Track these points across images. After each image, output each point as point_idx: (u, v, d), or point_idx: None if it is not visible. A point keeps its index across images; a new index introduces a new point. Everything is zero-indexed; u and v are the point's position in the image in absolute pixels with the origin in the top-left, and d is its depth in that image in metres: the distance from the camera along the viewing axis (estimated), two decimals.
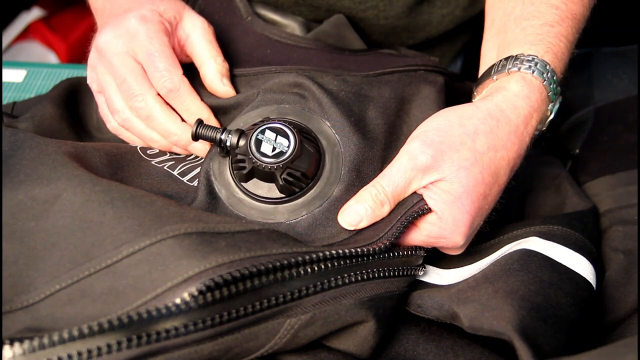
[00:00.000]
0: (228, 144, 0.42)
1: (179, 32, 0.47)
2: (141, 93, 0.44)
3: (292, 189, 0.41)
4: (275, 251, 0.34)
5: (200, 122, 0.43)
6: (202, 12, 0.57)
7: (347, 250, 0.36)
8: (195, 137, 0.43)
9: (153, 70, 0.44)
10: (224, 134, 0.42)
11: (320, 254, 0.35)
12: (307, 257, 0.34)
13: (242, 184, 0.42)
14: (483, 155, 0.40)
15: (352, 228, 0.40)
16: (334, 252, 0.36)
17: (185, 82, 0.45)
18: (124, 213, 0.35)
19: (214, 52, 0.47)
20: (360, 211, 0.40)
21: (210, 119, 0.46)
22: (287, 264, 0.34)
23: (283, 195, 0.41)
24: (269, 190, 0.42)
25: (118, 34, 0.45)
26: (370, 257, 0.38)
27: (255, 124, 0.42)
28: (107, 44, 0.45)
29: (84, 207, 0.36)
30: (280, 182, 0.40)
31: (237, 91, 0.49)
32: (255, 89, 0.47)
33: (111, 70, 0.45)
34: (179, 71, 0.45)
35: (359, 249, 0.37)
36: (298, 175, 0.41)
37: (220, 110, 0.48)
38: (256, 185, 0.42)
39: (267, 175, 0.41)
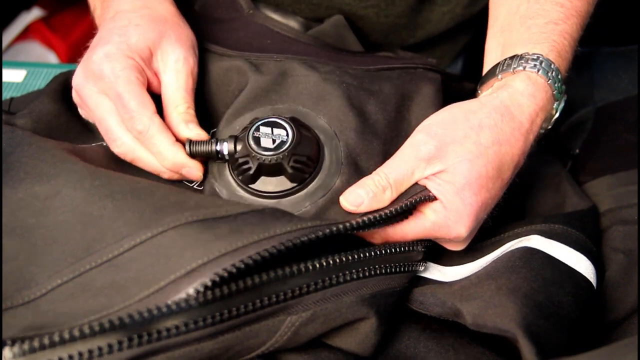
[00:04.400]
0: (225, 152, 0.42)
1: (155, 65, 0.45)
2: (119, 137, 0.42)
3: (302, 176, 0.41)
4: (279, 230, 0.34)
5: (190, 142, 0.42)
6: (203, 8, 0.57)
7: (353, 222, 0.36)
8: (191, 155, 0.42)
9: (123, 112, 0.41)
10: (217, 144, 0.42)
11: (327, 230, 0.34)
12: (312, 236, 0.34)
13: (250, 185, 0.42)
14: (487, 149, 0.40)
15: (353, 209, 0.40)
16: (340, 225, 0.35)
17: (155, 121, 0.41)
18: (124, 206, 0.35)
19: (178, 99, 0.44)
20: (362, 193, 0.40)
21: (187, 164, 0.42)
22: (292, 245, 0.33)
23: (287, 188, 0.41)
24: (277, 184, 0.41)
25: (86, 74, 0.43)
26: (372, 254, 0.37)
27: (244, 128, 0.42)
28: (79, 86, 0.43)
29: (84, 202, 0.36)
30: (290, 171, 0.40)
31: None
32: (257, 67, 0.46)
33: (89, 113, 0.44)
34: (149, 110, 0.41)
35: (365, 218, 0.37)
36: (304, 159, 0.41)
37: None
38: (265, 183, 0.42)
39: (274, 169, 0.41)
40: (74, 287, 0.33)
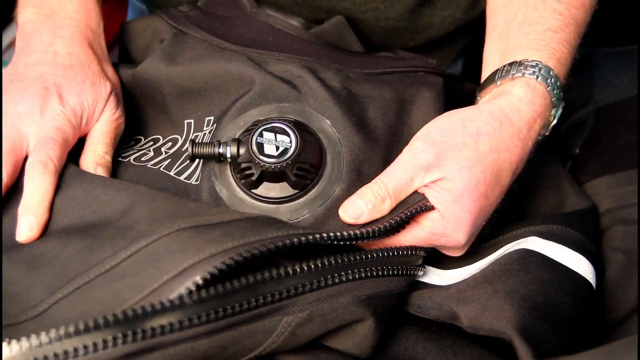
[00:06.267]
0: (228, 155, 0.41)
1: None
2: None
3: (304, 183, 0.41)
4: (270, 235, 0.34)
5: (193, 143, 0.42)
6: (206, 6, 0.57)
7: (345, 233, 0.36)
8: (193, 157, 0.42)
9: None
10: (220, 147, 0.41)
11: (317, 236, 0.35)
12: (302, 239, 0.34)
13: (253, 190, 0.42)
14: (486, 155, 0.40)
15: (352, 221, 0.40)
16: (331, 234, 0.35)
17: None
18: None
19: (99, 144, 0.44)
20: (361, 205, 0.40)
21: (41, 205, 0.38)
22: (282, 245, 0.33)
23: (288, 194, 0.41)
24: (279, 190, 0.41)
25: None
26: (370, 256, 0.37)
27: (247, 130, 0.42)
28: None
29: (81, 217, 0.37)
30: (292, 179, 0.40)
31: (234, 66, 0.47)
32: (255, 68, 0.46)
33: None
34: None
35: (357, 231, 0.37)
36: (307, 167, 0.41)
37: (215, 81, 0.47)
38: (267, 189, 0.42)
39: (277, 176, 0.41)
40: (74, 299, 0.33)
